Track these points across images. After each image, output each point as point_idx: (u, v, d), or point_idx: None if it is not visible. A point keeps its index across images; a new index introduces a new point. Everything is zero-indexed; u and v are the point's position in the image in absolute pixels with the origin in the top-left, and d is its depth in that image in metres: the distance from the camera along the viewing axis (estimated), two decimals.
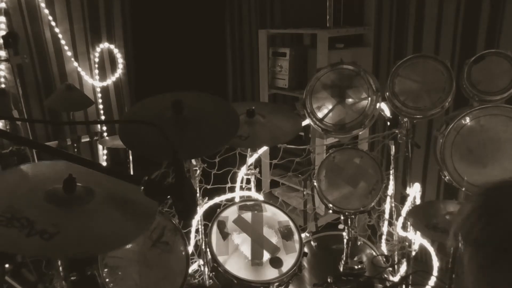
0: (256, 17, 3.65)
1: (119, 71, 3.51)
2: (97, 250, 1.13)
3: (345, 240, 1.95)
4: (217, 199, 2.10)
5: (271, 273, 1.65)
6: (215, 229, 1.75)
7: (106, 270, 1.50)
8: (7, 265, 1.96)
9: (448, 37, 2.59)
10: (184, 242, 1.73)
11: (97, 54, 3.40)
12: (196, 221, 2.03)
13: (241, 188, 2.24)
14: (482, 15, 2.43)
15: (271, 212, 1.86)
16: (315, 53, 2.76)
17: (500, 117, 1.75)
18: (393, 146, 2.14)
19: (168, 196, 0.94)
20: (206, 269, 1.92)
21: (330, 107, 1.92)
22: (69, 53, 3.25)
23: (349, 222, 1.92)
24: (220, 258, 1.65)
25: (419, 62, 1.91)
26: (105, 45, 3.43)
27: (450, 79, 1.84)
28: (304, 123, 2.00)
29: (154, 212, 1.11)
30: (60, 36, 3.19)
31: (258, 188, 2.28)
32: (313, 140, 2.77)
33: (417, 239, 2.12)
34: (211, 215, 1.84)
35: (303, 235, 1.86)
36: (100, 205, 1.09)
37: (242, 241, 1.73)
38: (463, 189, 1.75)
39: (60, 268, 1.43)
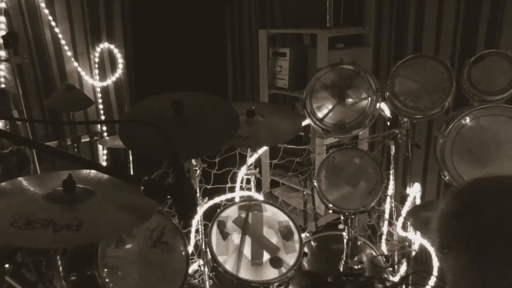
0: (256, 17, 3.64)
1: (119, 71, 3.50)
2: (120, 230, 1.31)
3: (345, 240, 1.95)
4: (217, 199, 2.10)
5: (271, 273, 1.65)
6: (215, 229, 1.75)
7: (106, 270, 1.50)
8: (7, 265, 1.95)
9: (448, 37, 2.59)
10: (184, 242, 1.73)
11: (97, 54, 3.39)
12: (196, 221, 2.03)
13: (241, 188, 2.24)
14: (482, 15, 2.43)
15: (271, 212, 1.86)
16: (315, 53, 2.76)
17: (500, 117, 1.75)
18: (393, 146, 2.14)
19: (168, 196, 0.95)
20: (206, 269, 1.92)
21: (330, 107, 1.92)
22: (69, 53, 3.25)
23: (349, 222, 1.92)
24: (220, 258, 1.66)
25: (419, 62, 1.91)
26: (105, 45, 3.42)
27: (450, 79, 1.84)
28: (304, 123, 2.00)
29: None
30: (60, 36, 3.19)
31: (258, 188, 2.27)
32: (313, 140, 2.77)
33: (417, 239, 2.12)
34: (211, 215, 1.84)
35: (303, 235, 1.86)
36: (101, 202, 1.12)
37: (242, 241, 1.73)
38: None
39: (60, 268, 1.42)
